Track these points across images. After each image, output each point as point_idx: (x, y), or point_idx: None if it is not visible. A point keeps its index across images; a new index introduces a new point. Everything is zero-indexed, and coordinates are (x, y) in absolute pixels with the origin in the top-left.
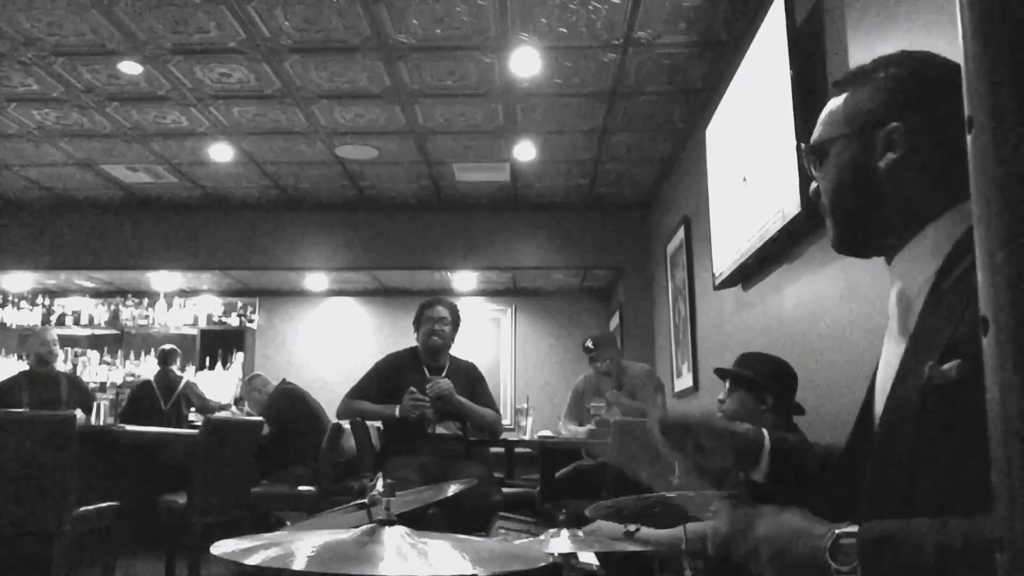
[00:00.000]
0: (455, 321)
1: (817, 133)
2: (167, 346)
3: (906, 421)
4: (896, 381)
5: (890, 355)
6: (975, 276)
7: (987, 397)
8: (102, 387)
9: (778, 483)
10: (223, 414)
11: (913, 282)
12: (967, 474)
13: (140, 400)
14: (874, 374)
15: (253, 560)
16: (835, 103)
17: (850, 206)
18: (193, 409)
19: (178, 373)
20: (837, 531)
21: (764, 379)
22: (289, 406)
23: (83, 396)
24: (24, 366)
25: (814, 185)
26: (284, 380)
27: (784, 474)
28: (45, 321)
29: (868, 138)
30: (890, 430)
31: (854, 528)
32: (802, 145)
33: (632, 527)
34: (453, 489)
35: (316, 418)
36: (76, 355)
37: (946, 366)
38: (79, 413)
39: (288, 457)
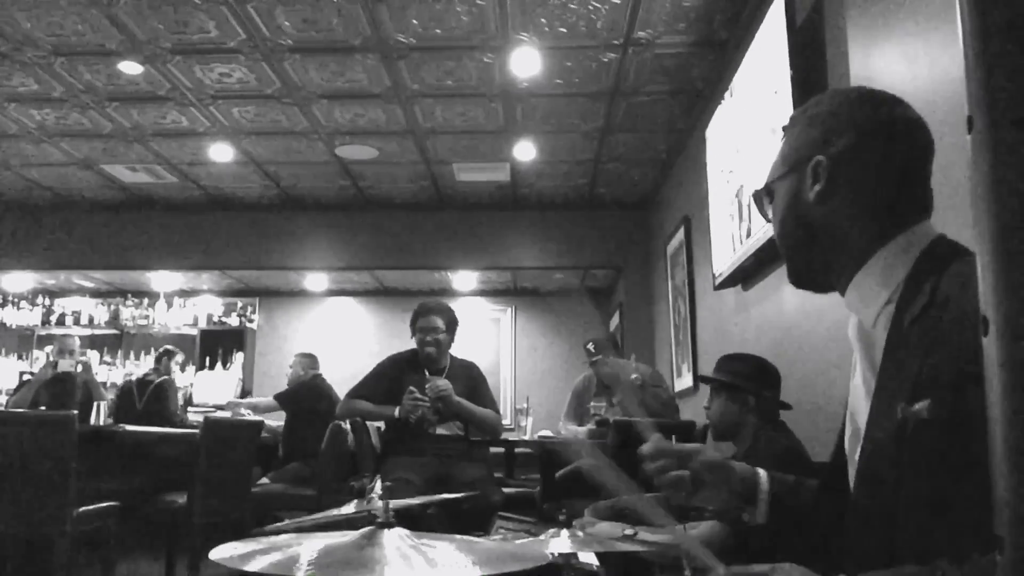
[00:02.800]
0: (450, 326)
1: (765, 179)
2: (167, 347)
3: (884, 464)
4: (869, 424)
5: (859, 390)
6: (935, 313)
7: (987, 397)
8: (103, 387)
9: (777, 525)
10: (222, 414)
11: (867, 313)
12: (950, 510)
13: (122, 399)
14: (847, 403)
15: (251, 565)
16: (779, 148)
17: (792, 240)
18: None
19: (163, 374)
20: None
21: (742, 381)
22: (308, 397)
23: (88, 397)
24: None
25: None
26: (319, 374)
27: (783, 516)
28: (45, 321)
29: (800, 174)
30: (869, 474)
31: None
32: (754, 191)
33: (630, 530)
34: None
35: (328, 418)
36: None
37: (917, 406)
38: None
39: (292, 454)
